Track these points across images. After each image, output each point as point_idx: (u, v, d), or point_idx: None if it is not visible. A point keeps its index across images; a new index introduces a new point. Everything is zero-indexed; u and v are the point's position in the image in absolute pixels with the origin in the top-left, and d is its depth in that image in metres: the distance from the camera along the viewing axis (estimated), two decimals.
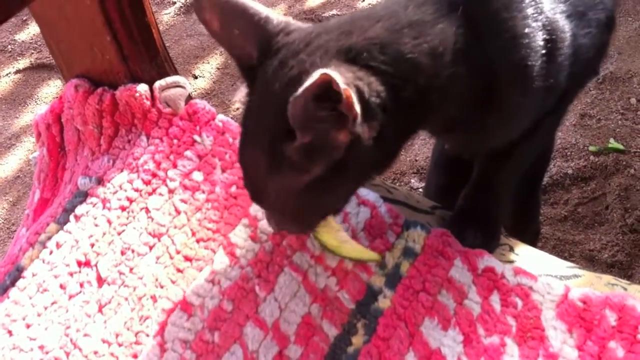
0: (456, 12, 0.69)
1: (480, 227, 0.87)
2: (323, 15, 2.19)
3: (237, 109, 1.92)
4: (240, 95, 1.95)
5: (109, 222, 0.94)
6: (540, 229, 1.36)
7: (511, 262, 0.85)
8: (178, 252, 0.89)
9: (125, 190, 0.96)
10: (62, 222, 0.96)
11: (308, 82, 0.56)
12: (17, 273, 0.92)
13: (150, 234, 0.91)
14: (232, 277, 0.85)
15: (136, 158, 0.99)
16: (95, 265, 0.89)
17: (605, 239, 1.44)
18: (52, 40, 1.08)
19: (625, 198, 1.50)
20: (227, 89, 2.01)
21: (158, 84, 1.01)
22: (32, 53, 2.25)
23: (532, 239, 1.21)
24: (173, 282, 0.86)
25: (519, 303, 0.78)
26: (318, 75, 0.55)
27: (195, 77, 2.06)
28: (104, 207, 0.95)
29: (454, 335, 0.77)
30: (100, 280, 0.88)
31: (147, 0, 1.00)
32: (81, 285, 0.88)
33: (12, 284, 0.91)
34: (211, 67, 2.10)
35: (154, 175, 0.97)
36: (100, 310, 0.85)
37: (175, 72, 1.06)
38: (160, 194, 0.95)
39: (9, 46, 2.29)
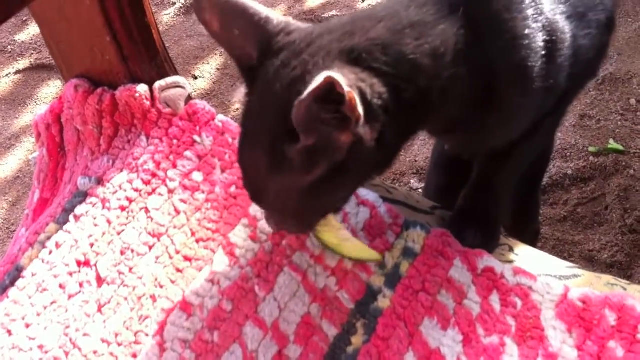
0: (457, 13, 0.69)
1: (480, 227, 0.87)
2: (323, 16, 2.19)
3: (237, 109, 1.92)
4: (240, 95, 1.95)
5: (109, 222, 0.94)
6: (540, 229, 1.36)
7: (511, 262, 0.85)
8: (178, 252, 0.89)
9: (125, 190, 0.96)
10: (61, 222, 0.96)
11: (313, 85, 0.56)
12: (16, 273, 0.92)
13: (149, 234, 0.91)
14: (231, 277, 0.85)
15: (136, 158, 0.99)
16: (95, 265, 0.89)
17: (605, 239, 1.44)
18: (52, 40, 1.08)
19: (624, 199, 1.50)
20: (227, 90, 2.01)
21: (158, 84, 1.01)
22: (32, 53, 2.25)
23: (532, 239, 1.21)
24: (172, 282, 0.86)
25: (519, 303, 0.78)
26: (323, 78, 0.55)
27: (195, 78, 2.06)
28: (103, 207, 0.95)
29: (454, 335, 0.77)
30: (100, 280, 0.88)
31: (147, 1, 1.00)
32: (80, 285, 0.88)
33: (12, 283, 0.91)
34: (211, 67, 2.10)
35: (154, 175, 0.97)
36: (99, 310, 0.85)
37: (175, 73, 1.06)
38: (160, 194, 0.95)
39: (9, 47, 2.29)
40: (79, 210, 0.96)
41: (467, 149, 0.93)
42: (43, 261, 0.92)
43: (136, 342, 0.81)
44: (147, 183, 0.96)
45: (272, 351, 0.78)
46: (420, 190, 1.59)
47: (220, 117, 1.01)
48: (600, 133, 1.66)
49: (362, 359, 0.76)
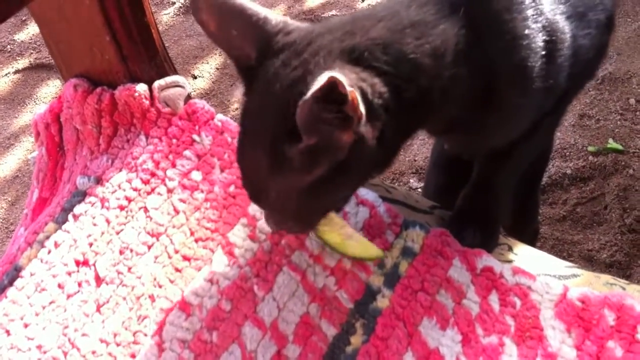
0: (458, 13, 0.69)
1: (479, 227, 0.87)
2: (322, 15, 2.19)
3: (236, 108, 1.91)
4: (239, 95, 1.95)
5: (108, 221, 0.93)
6: (539, 228, 1.36)
7: (510, 261, 0.85)
8: (176, 252, 0.89)
9: (124, 190, 0.96)
10: (60, 222, 0.95)
11: (316, 86, 0.56)
12: (15, 272, 0.91)
13: (148, 233, 0.91)
14: (230, 277, 0.85)
15: (135, 157, 0.99)
16: (94, 265, 0.89)
17: (604, 238, 1.44)
18: (52, 40, 1.08)
19: (624, 198, 1.50)
20: (226, 89, 2.01)
21: (157, 83, 1.01)
22: (31, 53, 2.25)
23: (531, 239, 1.21)
24: (171, 281, 0.86)
25: (518, 303, 0.78)
26: (325, 78, 0.55)
27: (195, 77, 2.06)
28: (102, 207, 0.95)
29: (453, 334, 0.77)
30: (99, 280, 0.88)
31: (146, 1, 1.00)
32: (79, 284, 0.88)
33: (10, 283, 0.91)
34: (210, 67, 2.10)
35: (153, 174, 0.97)
36: (98, 310, 0.85)
37: (175, 72, 1.06)
38: (159, 194, 0.95)
39: (8, 46, 2.29)
40: (77, 209, 0.95)
41: (467, 149, 0.93)
42: (42, 261, 0.92)
43: (135, 342, 0.81)
44: (146, 182, 0.96)
45: (271, 351, 0.78)
46: (419, 190, 1.59)
47: (220, 116, 1.01)
48: (600, 132, 1.66)
49: (361, 359, 0.76)
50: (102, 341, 0.82)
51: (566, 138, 1.65)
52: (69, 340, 0.83)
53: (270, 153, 0.66)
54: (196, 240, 0.89)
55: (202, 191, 0.94)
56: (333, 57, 0.65)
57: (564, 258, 1.14)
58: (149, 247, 0.90)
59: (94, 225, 0.93)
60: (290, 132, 0.61)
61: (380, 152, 0.67)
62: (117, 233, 0.92)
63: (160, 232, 0.91)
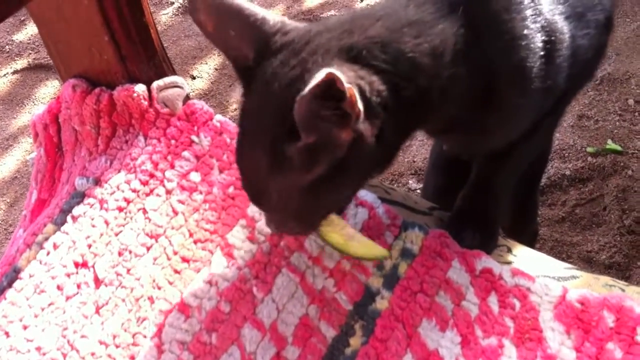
0: (456, 12, 0.69)
1: (478, 228, 0.87)
2: (321, 16, 2.19)
3: (235, 109, 1.91)
4: (238, 95, 1.95)
5: (106, 222, 0.93)
6: (538, 230, 1.36)
7: (509, 263, 0.84)
8: (175, 253, 0.88)
9: (123, 191, 0.96)
10: (59, 223, 0.95)
11: (314, 82, 0.56)
12: (14, 274, 0.91)
13: (147, 234, 0.91)
14: (229, 278, 0.84)
15: (134, 158, 0.98)
16: (93, 266, 0.89)
17: (603, 240, 1.44)
18: (50, 40, 1.07)
19: (622, 199, 1.50)
20: (225, 90, 2.01)
21: (156, 84, 1.01)
22: (30, 53, 2.25)
23: (530, 240, 1.21)
24: (170, 283, 0.86)
25: (517, 304, 0.78)
26: (323, 74, 0.55)
27: (193, 78, 2.06)
28: (101, 208, 0.95)
29: (452, 336, 0.77)
30: (98, 282, 0.88)
31: (145, 1, 0.99)
32: (78, 286, 0.88)
33: (9, 285, 0.90)
34: (209, 67, 2.10)
35: (152, 175, 0.97)
36: (97, 312, 0.85)
37: (173, 73, 1.06)
38: (158, 195, 0.95)
39: (7, 46, 2.28)
40: (76, 211, 0.95)
41: (466, 150, 0.93)
42: (40, 262, 0.91)
43: (134, 344, 0.81)
44: (144, 184, 0.96)
45: (270, 353, 0.78)
46: (418, 191, 1.59)
47: (219, 117, 1.00)
48: (599, 133, 1.66)
49: None
50: (101, 343, 0.82)
51: (565, 139, 1.65)
52: (68, 342, 0.83)
53: (269, 152, 0.66)
54: (195, 242, 0.89)
55: (200, 192, 0.94)
56: (331, 56, 0.65)
57: (563, 259, 1.14)
58: (148, 249, 0.90)
59: (93, 226, 0.93)
60: (290, 131, 0.61)
61: (379, 151, 0.67)
62: (116, 234, 0.92)
63: (159, 233, 0.91)
